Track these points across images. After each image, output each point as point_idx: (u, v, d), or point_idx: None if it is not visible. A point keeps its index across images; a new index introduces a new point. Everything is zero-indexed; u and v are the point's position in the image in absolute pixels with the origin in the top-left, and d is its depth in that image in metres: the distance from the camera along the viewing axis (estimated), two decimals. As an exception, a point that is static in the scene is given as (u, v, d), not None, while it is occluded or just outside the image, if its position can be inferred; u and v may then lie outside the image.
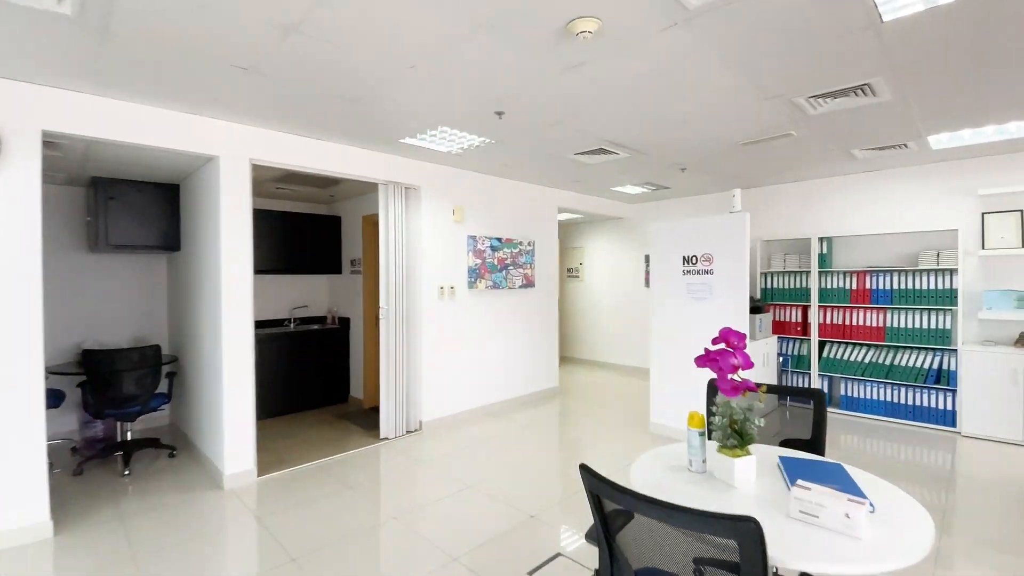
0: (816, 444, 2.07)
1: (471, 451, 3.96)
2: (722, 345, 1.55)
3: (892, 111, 3.16)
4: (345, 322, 5.53)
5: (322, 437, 4.35)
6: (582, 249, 7.91)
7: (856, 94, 2.86)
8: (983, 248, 4.45)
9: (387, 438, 4.23)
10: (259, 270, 5.06)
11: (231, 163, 3.39)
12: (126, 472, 3.64)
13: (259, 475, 3.53)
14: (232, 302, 3.40)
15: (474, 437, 4.28)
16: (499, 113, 3.10)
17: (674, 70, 2.54)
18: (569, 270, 8.11)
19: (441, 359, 4.58)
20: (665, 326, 4.32)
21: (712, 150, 4.10)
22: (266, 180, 4.60)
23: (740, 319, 3.86)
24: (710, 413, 2.44)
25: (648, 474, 1.75)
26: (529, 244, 5.39)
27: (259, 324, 5.35)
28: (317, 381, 5.29)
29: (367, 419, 4.81)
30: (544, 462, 3.72)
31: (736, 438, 1.65)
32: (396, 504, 3.09)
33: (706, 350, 1.58)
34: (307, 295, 5.76)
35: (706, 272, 4.04)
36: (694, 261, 4.12)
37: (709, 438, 1.83)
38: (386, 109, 3.08)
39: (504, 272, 5.09)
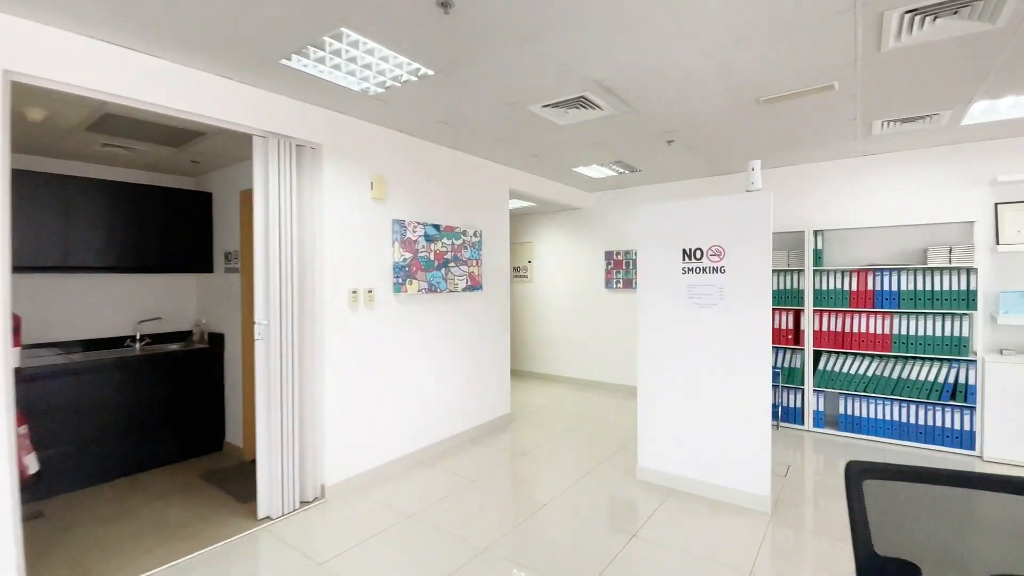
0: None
1: (399, 536, 2.68)
2: None
3: (984, 48, 2.32)
4: (218, 339, 3.99)
5: (168, 520, 2.86)
6: (531, 245, 6.81)
7: (971, 9, 1.96)
8: (998, 243, 3.89)
9: (269, 518, 2.83)
10: (79, 266, 3.43)
11: (-48, 70, 1.88)
12: None
13: (24, 617, 2.04)
14: (-48, 322, 1.88)
15: (403, 507, 3.00)
16: (443, 4, 1.87)
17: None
18: (516, 269, 6.99)
19: (353, 392, 3.25)
20: (657, 341, 3.30)
21: (720, 110, 3.13)
22: (77, 128, 3.01)
23: (762, 332, 2.91)
24: (857, 529, 1.39)
25: None
26: (475, 234, 4.18)
27: (83, 345, 3.68)
28: (176, 424, 3.72)
29: (247, 479, 3.36)
30: (505, 546, 2.54)
31: None
32: (262, 676, 1.76)
33: None
34: (163, 303, 4.14)
35: (715, 270, 3.06)
36: (698, 255, 3.13)
37: None
38: (242, -19, 1.74)
39: (443, 270, 3.85)
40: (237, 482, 3.36)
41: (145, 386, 3.57)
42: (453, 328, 4.01)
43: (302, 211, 3.00)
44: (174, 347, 3.89)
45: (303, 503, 2.99)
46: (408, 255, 3.54)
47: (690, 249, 3.15)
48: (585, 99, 2.89)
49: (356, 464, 3.24)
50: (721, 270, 3.04)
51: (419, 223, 3.63)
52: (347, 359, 3.19)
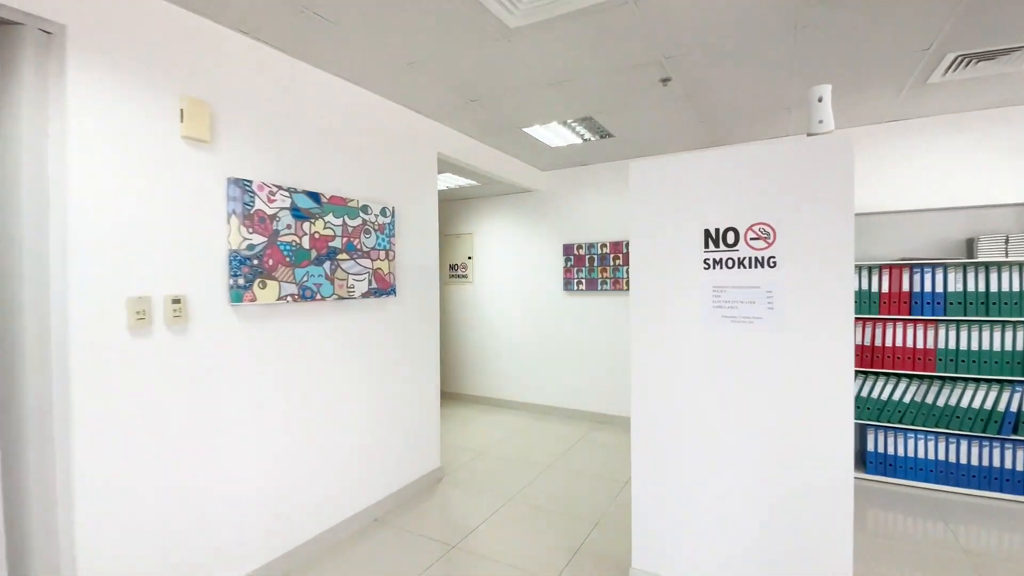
0: None
1: None
2: None
3: None
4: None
5: None
6: (471, 237, 5.52)
7: None
8: (1059, 231, 3.06)
9: None
10: None
11: None
12: None
13: None
14: None
15: None
16: None
17: None
18: (453, 267, 5.66)
19: (143, 483, 1.81)
20: (659, 377, 2.11)
21: (762, 15, 2.00)
22: None
23: (839, 366, 1.79)
24: None
25: None
26: (384, 213, 2.83)
27: None
28: None
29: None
30: None
31: None
32: None
33: None
34: None
35: (759, 263, 1.91)
36: (731, 240, 1.97)
37: None
38: None
39: (328, 265, 2.47)
40: (-79, 655, 1.82)
41: None
42: (344, 355, 2.64)
43: (8, 148, 1.54)
44: None
45: None
46: (260, 239, 2.14)
47: (717, 230, 1.99)
48: (555, -39, 1.65)
49: (150, 611, 1.81)
50: (770, 263, 1.89)
51: (281, 188, 2.24)
52: (130, 424, 1.75)
